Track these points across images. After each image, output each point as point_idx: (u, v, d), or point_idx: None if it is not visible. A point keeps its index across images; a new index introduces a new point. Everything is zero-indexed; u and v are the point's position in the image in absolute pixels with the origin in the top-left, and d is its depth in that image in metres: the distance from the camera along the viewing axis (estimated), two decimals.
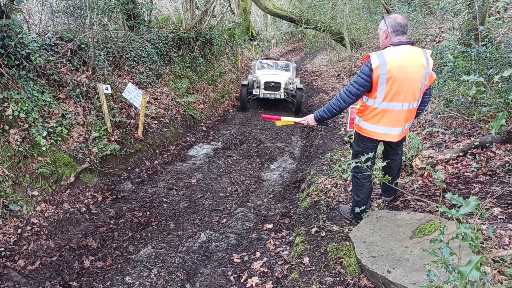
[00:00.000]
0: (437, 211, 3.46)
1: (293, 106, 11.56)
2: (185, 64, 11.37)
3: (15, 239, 4.00)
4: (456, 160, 4.49)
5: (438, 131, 5.41)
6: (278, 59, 14.16)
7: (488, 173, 3.97)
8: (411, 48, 3.10)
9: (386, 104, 3.14)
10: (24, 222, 4.26)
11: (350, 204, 3.98)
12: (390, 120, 3.22)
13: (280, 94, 11.38)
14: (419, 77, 3.09)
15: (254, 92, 11.62)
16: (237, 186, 6.08)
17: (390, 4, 13.66)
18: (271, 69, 12.86)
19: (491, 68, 5.04)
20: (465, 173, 4.13)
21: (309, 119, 3.52)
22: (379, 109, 3.19)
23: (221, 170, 6.65)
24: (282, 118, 3.95)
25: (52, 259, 3.90)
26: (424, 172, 4.35)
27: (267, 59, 14.18)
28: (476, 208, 1.76)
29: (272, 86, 11.39)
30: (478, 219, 3.02)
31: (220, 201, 5.56)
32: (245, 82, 11.59)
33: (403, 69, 3.02)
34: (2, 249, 3.80)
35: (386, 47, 3.14)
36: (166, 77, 9.94)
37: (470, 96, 2.62)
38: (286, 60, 13.86)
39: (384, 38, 3.20)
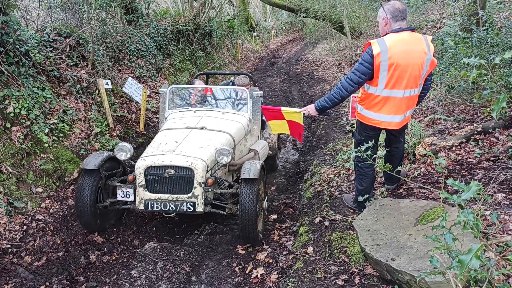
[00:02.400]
0: (440, 198, 3.46)
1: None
2: (185, 57, 11.34)
3: (21, 235, 4.03)
4: (459, 147, 4.48)
5: (440, 118, 5.39)
6: (223, 74, 7.63)
7: (491, 158, 3.96)
8: (411, 34, 3.08)
9: (388, 91, 3.13)
10: (30, 218, 4.29)
11: (353, 193, 3.99)
12: (392, 107, 3.21)
13: (194, 201, 3.95)
14: (420, 63, 3.07)
15: (120, 196, 4.14)
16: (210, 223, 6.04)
17: None
18: (200, 109, 5.32)
19: (492, 53, 5.00)
20: (468, 159, 4.12)
21: (310, 109, 3.50)
22: (381, 97, 3.18)
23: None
24: (282, 108, 3.84)
25: (58, 254, 3.94)
26: (427, 160, 4.34)
27: (206, 74, 7.12)
28: (478, 193, 1.76)
29: (168, 179, 3.99)
30: (482, 204, 3.02)
31: None
32: (97, 162, 4.11)
33: (405, 55, 3.01)
34: (9, 246, 3.83)
35: (386, 34, 3.12)
36: (166, 70, 9.93)
37: (470, 80, 2.61)
38: (243, 82, 5.93)
39: (384, 25, 3.18)
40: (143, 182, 4.00)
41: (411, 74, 3.08)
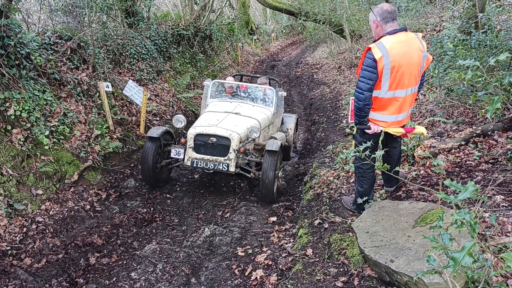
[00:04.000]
0: (439, 200, 3.47)
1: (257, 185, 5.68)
2: (185, 60, 11.37)
3: (21, 237, 4.04)
4: (458, 149, 4.48)
5: (439, 121, 5.40)
6: (257, 77, 7.86)
7: (490, 161, 3.97)
8: (406, 34, 3.14)
9: (392, 92, 3.18)
10: (29, 220, 4.30)
11: (353, 195, 3.99)
12: (396, 107, 3.26)
13: (228, 163, 5.22)
14: (418, 61, 3.15)
15: (173, 154, 5.42)
16: (240, 181, 6.10)
17: None
18: (234, 100, 6.54)
19: (491, 55, 5.02)
20: (467, 162, 4.13)
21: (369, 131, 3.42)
22: (385, 99, 3.23)
23: (215, 178, 6.67)
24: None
25: (58, 256, 3.94)
26: (426, 162, 4.35)
27: (240, 76, 8.70)
28: (475, 194, 1.77)
29: (210, 145, 5.26)
30: (480, 206, 3.03)
31: (223, 196, 5.59)
32: (158, 132, 5.42)
33: (404, 56, 3.06)
34: (9, 248, 3.84)
35: (381, 37, 3.15)
36: (166, 73, 9.95)
37: (466, 81, 2.65)
38: (264, 82, 7.35)
39: (375, 28, 3.24)
40: (192, 145, 5.27)
41: (411, 73, 3.14)
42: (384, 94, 3.19)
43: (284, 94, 6.78)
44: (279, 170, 5.61)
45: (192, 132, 5.29)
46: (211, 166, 5.19)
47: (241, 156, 5.27)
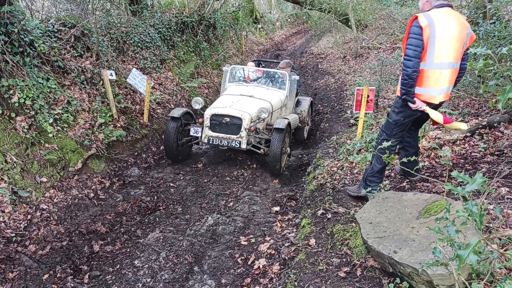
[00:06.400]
0: (444, 191, 3.45)
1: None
2: (189, 48, 11.30)
3: (25, 224, 4.06)
4: (463, 141, 4.45)
5: (445, 112, 5.36)
6: (272, 62, 8.82)
7: (496, 153, 3.94)
8: (452, 10, 3.16)
9: (436, 64, 3.17)
10: (34, 208, 4.32)
11: (357, 185, 3.98)
12: (440, 80, 3.24)
13: (240, 140, 5.75)
14: (463, 36, 3.15)
15: (192, 132, 6.07)
16: (243, 170, 6.10)
17: None
18: (250, 84, 7.06)
19: (499, 46, 4.95)
20: (473, 154, 4.10)
21: (413, 106, 3.36)
22: (430, 71, 3.21)
23: (226, 154, 6.67)
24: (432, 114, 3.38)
25: (62, 243, 3.96)
26: (431, 153, 4.33)
27: (258, 61, 8.83)
28: (482, 186, 1.75)
29: (224, 124, 5.84)
30: (485, 199, 3.01)
31: (226, 185, 5.59)
32: (179, 112, 6.03)
33: (449, 28, 3.08)
34: (13, 234, 3.86)
35: (428, 10, 3.16)
36: (170, 62, 9.90)
37: (477, 71, 2.62)
38: (285, 66, 7.53)
39: (425, 1, 3.25)
40: (208, 124, 5.92)
41: (455, 48, 3.14)
42: (430, 66, 3.17)
43: (297, 77, 7.21)
44: (287, 146, 6.17)
45: (208, 112, 5.93)
46: (225, 143, 5.85)
47: (252, 134, 5.80)
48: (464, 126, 3.40)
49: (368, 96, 5.44)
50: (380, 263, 2.79)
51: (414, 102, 3.29)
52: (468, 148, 4.26)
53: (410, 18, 9.89)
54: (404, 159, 3.06)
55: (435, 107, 3.40)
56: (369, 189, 3.62)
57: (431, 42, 3.08)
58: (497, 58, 4.88)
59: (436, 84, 3.24)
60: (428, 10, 3.18)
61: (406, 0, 11.75)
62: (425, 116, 3.46)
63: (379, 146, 3.44)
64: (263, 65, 8.64)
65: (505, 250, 2.30)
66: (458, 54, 3.19)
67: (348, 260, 3.03)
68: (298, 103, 7.67)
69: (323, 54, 16.25)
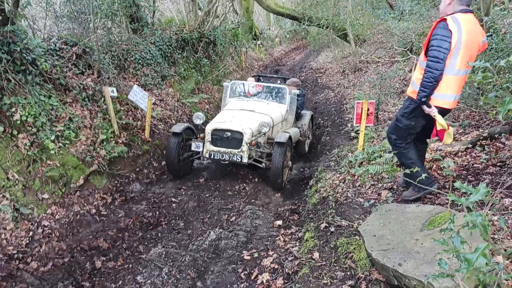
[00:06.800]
0: (447, 203, 3.44)
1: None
2: (190, 65, 11.40)
3: (27, 241, 4.04)
4: (464, 152, 4.46)
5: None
6: (272, 77, 8.93)
7: (498, 164, 3.94)
8: (474, 17, 3.17)
9: (456, 70, 3.16)
10: (36, 225, 4.30)
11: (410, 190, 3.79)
12: (456, 86, 3.24)
13: (242, 155, 5.81)
14: (480, 45, 3.17)
15: (194, 147, 6.11)
16: (245, 184, 6.09)
17: None
18: (251, 99, 7.21)
19: (497, 58, 5.00)
20: (475, 165, 4.10)
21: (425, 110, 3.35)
22: (448, 77, 3.19)
23: (228, 169, 6.66)
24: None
25: (64, 260, 3.94)
26: (433, 165, 4.33)
27: (258, 76, 8.88)
28: (486, 196, 1.75)
29: (226, 138, 5.88)
30: (489, 210, 3.00)
31: (228, 200, 5.57)
32: (181, 128, 6.10)
33: (472, 35, 3.09)
34: (15, 251, 3.84)
35: (451, 14, 3.15)
36: (171, 78, 9.98)
37: (476, 83, 2.67)
38: (291, 84, 7.81)
39: (447, 4, 3.23)
40: (210, 139, 5.94)
41: (471, 55, 3.15)
42: (450, 71, 3.16)
43: (297, 92, 7.29)
44: (289, 160, 6.22)
45: (209, 127, 5.97)
46: (227, 158, 5.87)
47: (253, 148, 5.84)
48: (449, 141, 3.42)
49: (368, 109, 5.47)
50: (384, 276, 2.77)
51: (430, 106, 3.27)
52: (470, 159, 4.26)
53: (407, 32, 9.95)
54: (407, 171, 3.06)
55: (443, 114, 3.41)
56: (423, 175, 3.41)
57: (457, 48, 3.07)
58: (495, 71, 4.93)
59: (453, 90, 3.24)
60: (451, 14, 3.16)
61: (403, 15, 11.92)
62: (430, 126, 3.46)
63: (402, 151, 3.51)
64: (262, 80, 8.70)
65: (511, 262, 2.29)
66: (472, 61, 3.18)
67: (353, 273, 3.00)
68: (299, 117, 7.70)
69: (322, 69, 16.39)
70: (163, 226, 4.77)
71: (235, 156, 5.81)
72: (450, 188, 3.22)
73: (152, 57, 9.30)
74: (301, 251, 3.75)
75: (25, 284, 3.48)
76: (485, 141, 4.46)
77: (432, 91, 3.22)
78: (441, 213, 3.06)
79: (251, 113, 6.39)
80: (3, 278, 3.46)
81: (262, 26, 29.30)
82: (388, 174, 4.40)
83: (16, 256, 3.79)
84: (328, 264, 3.24)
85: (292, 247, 4.04)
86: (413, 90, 3.41)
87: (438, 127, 3.33)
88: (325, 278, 3.04)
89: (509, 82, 4.01)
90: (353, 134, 6.93)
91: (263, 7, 19.74)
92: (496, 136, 4.41)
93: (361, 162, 5.08)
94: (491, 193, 3.28)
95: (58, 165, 5.10)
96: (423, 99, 3.26)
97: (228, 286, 3.58)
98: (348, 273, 3.03)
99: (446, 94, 3.26)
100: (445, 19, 3.10)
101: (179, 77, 10.52)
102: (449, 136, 3.36)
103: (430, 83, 3.18)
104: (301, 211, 5.03)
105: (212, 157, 5.91)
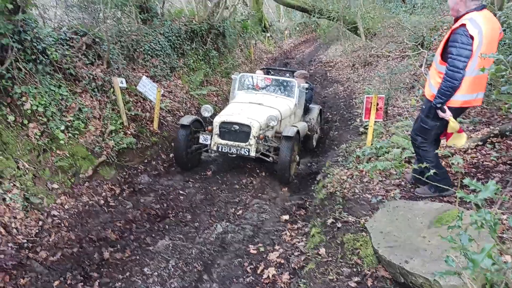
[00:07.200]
0: (456, 201, 3.41)
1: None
2: (199, 56, 11.38)
3: (37, 231, 4.09)
4: (474, 149, 4.41)
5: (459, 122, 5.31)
6: (281, 70, 8.80)
7: (509, 162, 3.90)
8: (489, 12, 3.12)
9: (477, 71, 3.11)
10: (45, 214, 4.35)
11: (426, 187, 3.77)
12: (479, 85, 3.22)
13: (249, 148, 5.78)
14: (498, 37, 3.15)
15: (201, 140, 6.08)
16: (252, 178, 6.10)
17: None
18: (259, 92, 7.10)
19: (510, 54, 4.92)
20: (484, 163, 4.06)
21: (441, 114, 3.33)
22: (471, 77, 3.15)
23: (235, 162, 6.67)
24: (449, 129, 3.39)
25: (73, 250, 3.98)
26: (442, 162, 4.28)
27: (267, 69, 8.81)
28: (495, 194, 1.73)
29: (234, 131, 5.86)
30: (498, 208, 2.97)
31: (235, 193, 5.59)
32: (189, 120, 6.04)
33: (492, 33, 3.06)
34: (25, 240, 3.89)
35: (467, 13, 3.09)
36: (180, 70, 9.98)
37: (489, 76, 2.63)
38: (299, 76, 7.68)
39: (458, 1, 3.15)
40: (218, 132, 5.91)
41: (493, 51, 3.09)
42: (471, 72, 3.12)
43: (306, 86, 7.22)
44: (296, 155, 6.16)
45: (217, 120, 5.93)
46: (234, 151, 5.84)
47: (261, 142, 5.79)
48: (460, 143, 3.39)
49: (377, 104, 5.42)
50: (391, 273, 2.76)
51: (445, 111, 3.24)
52: (480, 157, 4.22)
53: (418, 26, 9.83)
54: (416, 166, 3.03)
55: (459, 113, 3.41)
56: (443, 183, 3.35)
57: (478, 50, 3.03)
58: (509, 65, 4.85)
59: (474, 89, 3.21)
60: (465, 13, 3.09)
61: (415, 9, 11.75)
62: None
63: (424, 151, 3.50)
64: (272, 73, 8.63)
65: None
66: None
67: (359, 270, 3.00)
68: (307, 111, 7.64)
69: (332, 63, 16.27)
70: (171, 218, 4.80)
71: (243, 149, 5.79)
72: (459, 184, 3.19)
73: (161, 48, 9.30)
74: (308, 247, 3.76)
75: (34, 273, 3.53)
76: (495, 138, 4.41)
77: (449, 98, 3.19)
78: (449, 211, 3.04)
79: (259, 106, 6.34)
80: (14, 267, 3.51)
81: (272, 18, 29.11)
82: (396, 170, 4.36)
83: (26, 245, 3.84)
84: (334, 260, 3.25)
85: (299, 242, 4.05)
86: (432, 94, 3.36)
87: (449, 130, 3.31)
88: (331, 274, 3.04)
89: None
90: (361, 129, 6.89)
91: None
92: (507, 133, 4.35)
93: (369, 158, 5.05)
94: (501, 191, 3.25)
95: (68, 155, 5.15)
96: (439, 105, 3.23)
97: (234, 279, 3.60)
98: (354, 269, 3.03)
99: (469, 94, 3.22)
100: (464, 25, 3.01)
101: (188, 68, 10.52)
102: (460, 138, 3.32)
103: (448, 92, 3.15)
104: (308, 206, 5.03)
105: (220, 150, 5.89)
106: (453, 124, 3.26)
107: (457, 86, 3.12)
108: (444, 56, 3.22)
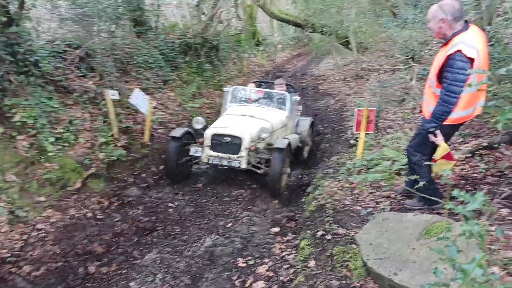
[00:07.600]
0: (444, 212, 3.40)
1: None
2: (192, 69, 11.42)
3: (21, 245, 4.00)
4: (463, 161, 4.43)
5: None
6: (273, 84, 8.10)
7: (497, 174, 3.91)
8: (477, 27, 3.15)
9: (472, 88, 3.12)
10: (31, 228, 4.28)
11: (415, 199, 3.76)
12: (475, 99, 3.23)
13: (240, 160, 5.74)
14: (487, 53, 3.19)
15: (192, 152, 5.99)
16: (242, 190, 6.05)
17: (396, 7, 13.61)
18: (251, 105, 7.09)
19: (499, 68, 4.97)
20: (473, 174, 4.07)
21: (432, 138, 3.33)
22: (468, 95, 3.14)
23: (226, 174, 6.64)
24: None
25: (58, 264, 3.90)
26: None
27: (260, 82, 8.90)
28: (483, 205, 1.73)
29: (225, 143, 5.81)
30: (486, 220, 2.96)
31: (225, 205, 5.54)
32: (180, 132, 6.06)
33: (484, 49, 3.09)
34: (8, 255, 3.81)
35: (456, 35, 3.07)
36: (172, 82, 9.99)
37: (475, 90, 2.65)
38: (285, 85, 7.73)
39: (442, 24, 3.12)
40: (209, 144, 5.85)
41: (485, 66, 3.12)
42: (465, 91, 3.09)
43: (298, 98, 7.34)
44: (287, 166, 6.11)
45: (209, 132, 5.93)
46: (225, 163, 5.82)
47: (252, 154, 5.75)
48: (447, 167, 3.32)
49: (368, 117, 5.44)
50: (380, 285, 2.73)
51: (436, 135, 3.23)
52: (468, 169, 4.23)
53: (409, 40, 9.89)
54: (407, 178, 3.02)
55: (455, 129, 3.46)
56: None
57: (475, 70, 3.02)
58: (496, 80, 4.91)
59: (471, 104, 3.22)
60: (453, 36, 3.07)
61: (406, 23, 11.91)
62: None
63: (419, 166, 3.47)
64: (264, 86, 8.65)
65: (507, 272, 2.25)
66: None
67: (348, 282, 2.96)
68: (298, 123, 7.67)
69: (324, 76, 16.40)
70: (159, 231, 4.73)
71: (234, 161, 5.75)
72: (449, 196, 3.18)
73: (155, 61, 9.33)
74: (297, 259, 3.72)
75: None
76: (484, 150, 4.43)
77: (442, 122, 3.18)
78: (438, 222, 3.03)
79: (251, 118, 6.33)
80: None
81: (265, 32, 29.37)
82: (387, 182, 4.36)
83: (8, 259, 3.76)
84: (323, 273, 3.21)
85: (288, 254, 4.00)
86: (429, 111, 3.36)
87: (437, 156, 3.24)
88: (319, 287, 3.00)
89: (510, 91, 3.99)
90: (352, 141, 6.91)
91: (267, 14, 19.82)
92: (496, 146, 4.38)
93: (360, 170, 5.05)
94: (489, 202, 3.24)
95: (56, 167, 5.09)
96: (432, 129, 3.22)
97: None
98: (344, 282, 2.99)
99: (466, 110, 3.24)
100: (460, 50, 2.98)
101: (181, 81, 10.54)
102: (448, 165, 3.27)
103: (443, 116, 3.15)
104: (298, 218, 4.99)
105: (210, 162, 5.86)
106: (441, 150, 3.20)
107: (450, 111, 3.13)
108: (440, 79, 3.22)
